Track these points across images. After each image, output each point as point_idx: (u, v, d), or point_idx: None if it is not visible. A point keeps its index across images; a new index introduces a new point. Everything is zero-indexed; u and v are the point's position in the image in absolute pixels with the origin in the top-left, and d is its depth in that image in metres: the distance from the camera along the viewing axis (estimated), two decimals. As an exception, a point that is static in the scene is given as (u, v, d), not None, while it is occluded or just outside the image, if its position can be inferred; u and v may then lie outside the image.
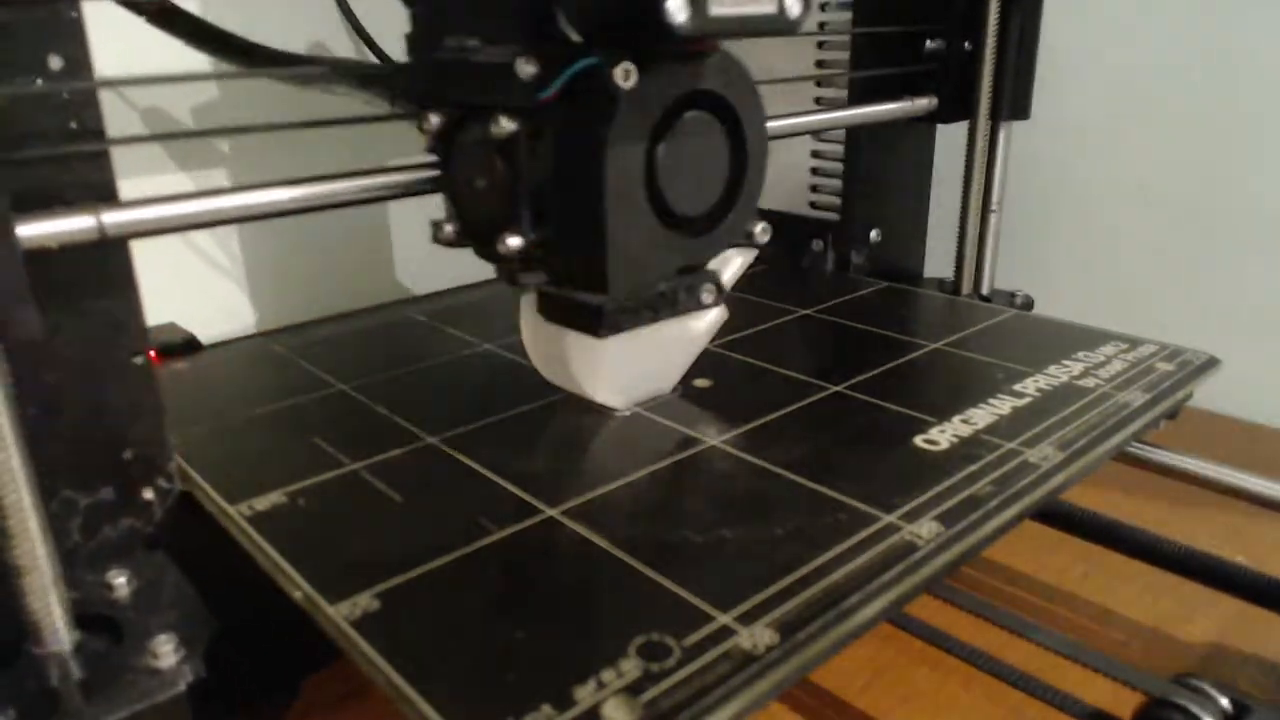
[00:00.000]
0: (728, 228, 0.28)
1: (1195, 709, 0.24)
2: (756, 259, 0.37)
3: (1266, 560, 0.33)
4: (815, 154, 0.52)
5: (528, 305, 0.33)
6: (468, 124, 0.28)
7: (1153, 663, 0.32)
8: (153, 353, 0.27)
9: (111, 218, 0.24)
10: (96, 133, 0.25)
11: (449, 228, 0.29)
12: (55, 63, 0.24)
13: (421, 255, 0.57)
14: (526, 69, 0.25)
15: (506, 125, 0.26)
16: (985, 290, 0.48)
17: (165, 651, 0.22)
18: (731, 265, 0.36)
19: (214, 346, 0.41)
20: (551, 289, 0.27)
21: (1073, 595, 0.36)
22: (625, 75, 0.24)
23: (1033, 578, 0.37)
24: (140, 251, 0.26)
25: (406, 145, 0.32)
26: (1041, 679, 0.28)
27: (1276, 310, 0.51)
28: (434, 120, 0.29)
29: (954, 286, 0.48)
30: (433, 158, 0.30)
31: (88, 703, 0.21)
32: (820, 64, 0.51)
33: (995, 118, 0.45)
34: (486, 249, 0.28)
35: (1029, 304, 0.47)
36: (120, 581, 0.25)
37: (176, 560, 0.27)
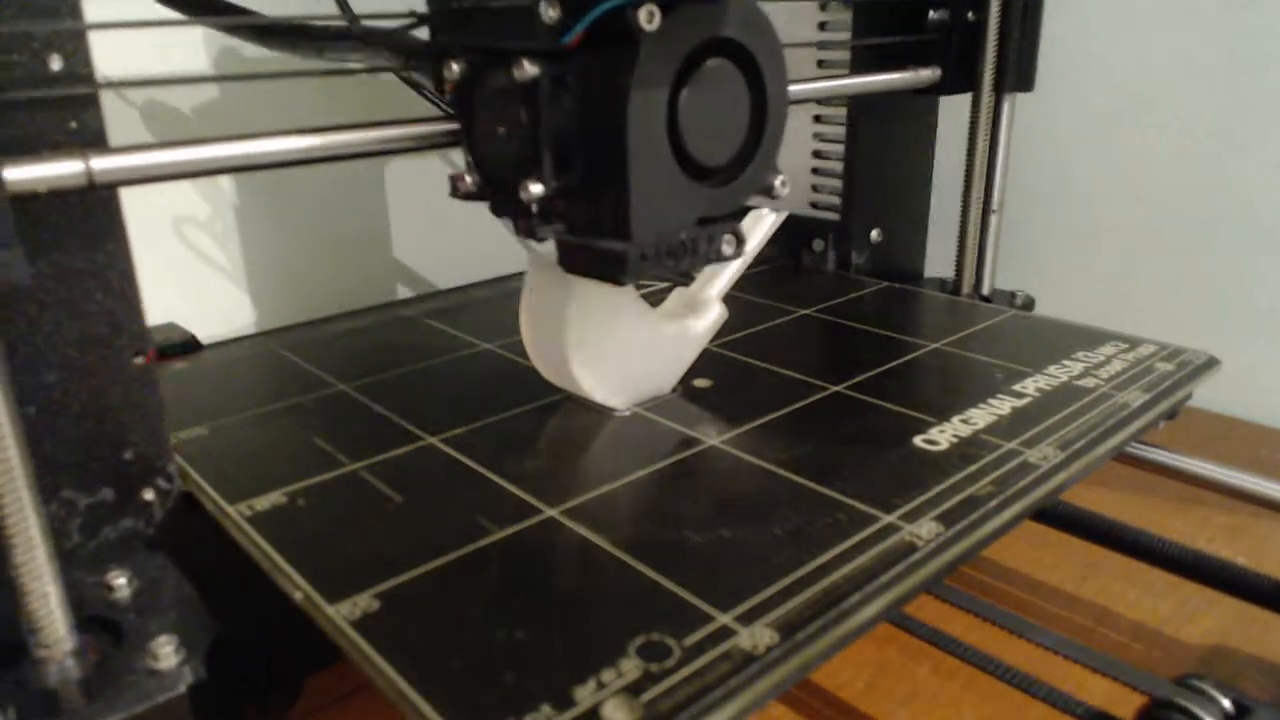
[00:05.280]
0: (747, 179, 0.28)
1: (1197, 710, 0.24)
2: (757, 259, 0.38)
3: (1267, 560, 0.33)
4: (816, 154, 0.52)
5: (528, 305, 0.33)
6: (490, 71, 0.27)
7: (1154, 664, 0.32)
8: (151, 351, 0.27)
9: (100, 163, 0.23)
10: (86, 77, 0.24)
11: (469, 179, 0.29)
12: (43, 7, 0.23)
13: (421, 255, 0.57)
14: (550, 13, 0.24)
15: (529, 70, 0.25)
16: (986, 290, 0.48)
17: (165, 653, 0.22)
18: (764, 223, 0.36)
19: (214, 346, 0.41)
20: (571, 238, 0.27)
21: (1073, 596, 0.36)
22: (649, 18, 0.24)
23: (1032, 578, 0.37)
24: (141, 252, 0.26)
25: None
26: (1043, 680, 0.28)
27: (1276, 310, 0.51)
28: (455, 69, 0.28)
29: (955, 286, 0.48)
30: (441, 114, 0.29)
31: (88, 703, 0.21)
32: (823, 31, 0.50)
33: (999, 90, 0.45)
34: (506, 199, 0.28)
35: (1029, 304, 0.47)
36: (120, 582, 0.25)
37: (177, 561, 0.27)
